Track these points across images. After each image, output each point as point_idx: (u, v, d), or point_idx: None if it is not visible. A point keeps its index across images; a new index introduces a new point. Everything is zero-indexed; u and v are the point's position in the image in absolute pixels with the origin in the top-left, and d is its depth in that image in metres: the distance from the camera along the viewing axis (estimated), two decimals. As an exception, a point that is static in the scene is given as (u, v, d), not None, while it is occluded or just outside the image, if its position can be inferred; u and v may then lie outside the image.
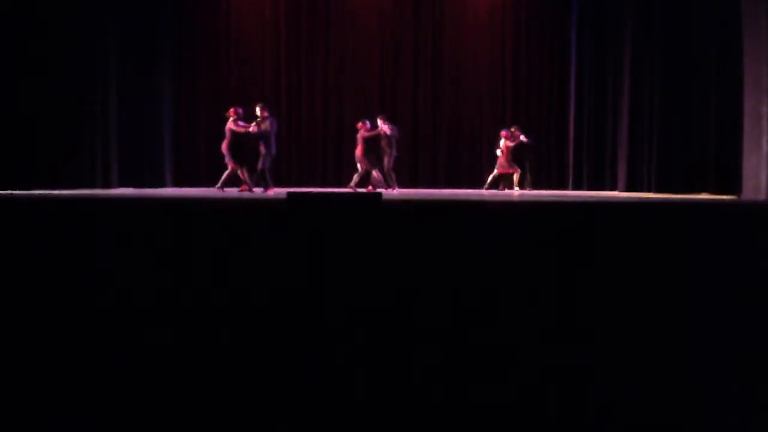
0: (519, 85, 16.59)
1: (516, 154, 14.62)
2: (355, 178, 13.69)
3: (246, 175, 12.50)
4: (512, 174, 14.66)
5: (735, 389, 1.99)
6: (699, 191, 13.35)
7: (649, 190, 14.16)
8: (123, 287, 3.40)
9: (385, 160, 13.34)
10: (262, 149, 12.18)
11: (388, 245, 5.07)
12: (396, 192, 13.04)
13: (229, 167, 12.45)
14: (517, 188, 14.65)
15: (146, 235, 5.91)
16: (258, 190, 12.39)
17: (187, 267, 4.06)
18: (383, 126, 13.33)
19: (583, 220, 7.76)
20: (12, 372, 2.10)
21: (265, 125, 12.25)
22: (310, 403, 1.83)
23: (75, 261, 4.25)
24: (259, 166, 12.27)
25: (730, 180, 12.52)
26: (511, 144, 14.45)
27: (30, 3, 12.90)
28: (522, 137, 14.61)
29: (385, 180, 13.53)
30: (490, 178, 14.77)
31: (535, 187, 15.26)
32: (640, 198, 12.28)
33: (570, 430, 1.72)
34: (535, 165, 15.56)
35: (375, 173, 13.50)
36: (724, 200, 11.62)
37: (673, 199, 11.73)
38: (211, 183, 14.70)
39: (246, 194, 11.77)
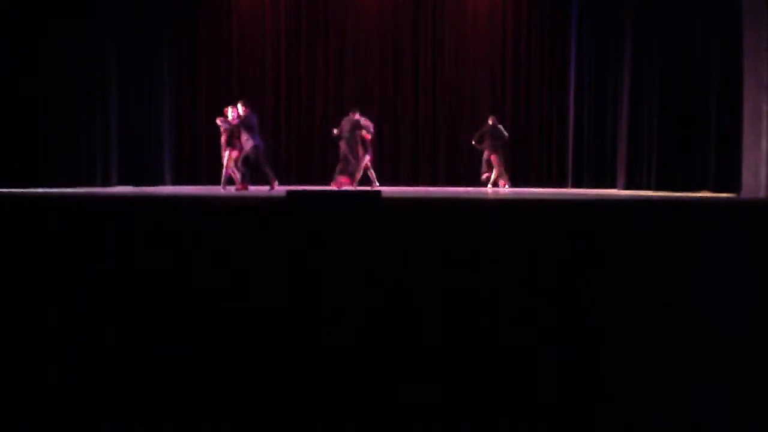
0: (519, 82, 16.59)
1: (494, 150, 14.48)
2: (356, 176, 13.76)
3: (232, 172, 12.69)
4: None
5: (735, 389, 1.99)
6: (699, 189, 13.35)
7: (648, 188, 14.17)
8: (122, 286, 3.40)
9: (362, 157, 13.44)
10: (248, 143, 12.29)
11: (387, 243, 5.07)
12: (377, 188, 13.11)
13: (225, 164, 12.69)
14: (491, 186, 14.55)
15: (145, 233, 5.90)
16: (266, 188, 12.60)
17: (186, 265, 4.06)
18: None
19: (584, 218, 7.76)
20: (13, 371, 2.10)
21: (247, 120, 12.40)
22: (305, 402, 1.83)
23: (75, 259, 4.25)
24: (252, 159, 12.42)
25: (730, 178, 12.52)
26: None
27: (32, 2, 12.91)
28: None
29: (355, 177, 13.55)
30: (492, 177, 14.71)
31: (528, 185, 15.28)
32: (639, 196, 12.28)
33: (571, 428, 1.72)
34: (523, 163, 15.43)
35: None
36: (723, 198, 11.62)
37: (673, 197, 11.73)
38: (210, 182, 14.72)
39: (244, 192, 11.81)
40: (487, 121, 14.64)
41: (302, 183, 15.94)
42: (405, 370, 2.09)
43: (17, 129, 12.80)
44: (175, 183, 15.83)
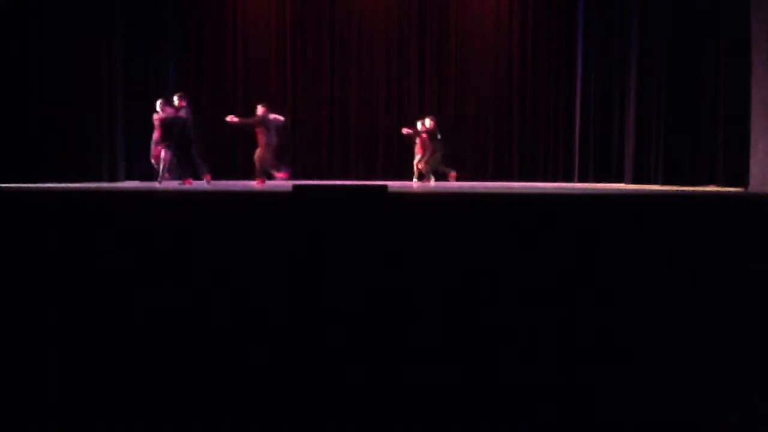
0: (525, 76, 16.55)
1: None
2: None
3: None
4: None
5: (739, 388, 1.96)
6: (706, 183, 13.28)
7: (656, 183, 14.11)
8: (127, 283, 3.39)
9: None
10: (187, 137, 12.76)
11: (393, 238, 5.05)
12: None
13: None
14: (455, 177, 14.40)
15: (148, 228, 5.90)
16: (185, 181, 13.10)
17: (189, 259, 4.05)
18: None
19: (593, 212, 7.73)
20: (15, 368, 2.09)
21: (184, 113, 12.70)
22: (307, 398, 1.81)
23: (82, 255, 4.24)
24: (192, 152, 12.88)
25: (738, 172, 12.46)
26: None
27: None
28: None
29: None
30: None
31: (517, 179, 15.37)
32: (646, 190, 12.22)
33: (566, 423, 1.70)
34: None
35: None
36: (731, 192, 11.56)
37: (680, 192, 11.67)
38: (216, 176, 14.75)
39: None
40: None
41: (308, 178, 15.99)
42: (407, 366, 2.07)
43: (23, 124, 12.83)
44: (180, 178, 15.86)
